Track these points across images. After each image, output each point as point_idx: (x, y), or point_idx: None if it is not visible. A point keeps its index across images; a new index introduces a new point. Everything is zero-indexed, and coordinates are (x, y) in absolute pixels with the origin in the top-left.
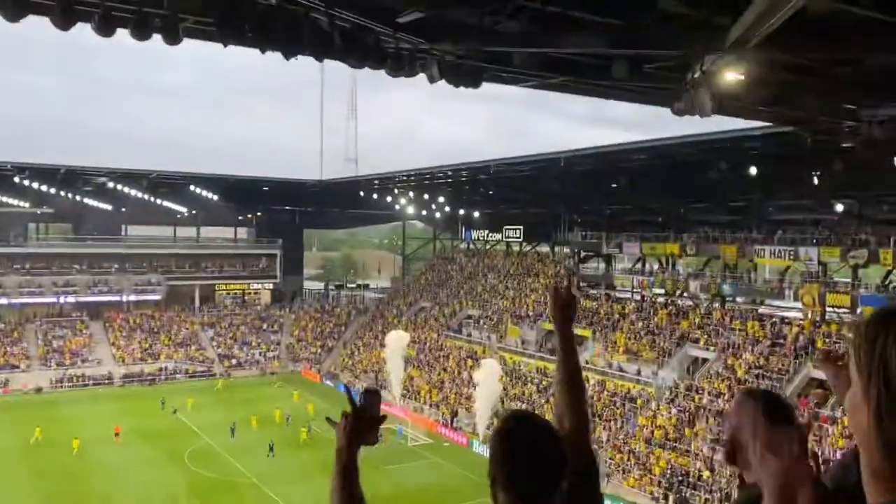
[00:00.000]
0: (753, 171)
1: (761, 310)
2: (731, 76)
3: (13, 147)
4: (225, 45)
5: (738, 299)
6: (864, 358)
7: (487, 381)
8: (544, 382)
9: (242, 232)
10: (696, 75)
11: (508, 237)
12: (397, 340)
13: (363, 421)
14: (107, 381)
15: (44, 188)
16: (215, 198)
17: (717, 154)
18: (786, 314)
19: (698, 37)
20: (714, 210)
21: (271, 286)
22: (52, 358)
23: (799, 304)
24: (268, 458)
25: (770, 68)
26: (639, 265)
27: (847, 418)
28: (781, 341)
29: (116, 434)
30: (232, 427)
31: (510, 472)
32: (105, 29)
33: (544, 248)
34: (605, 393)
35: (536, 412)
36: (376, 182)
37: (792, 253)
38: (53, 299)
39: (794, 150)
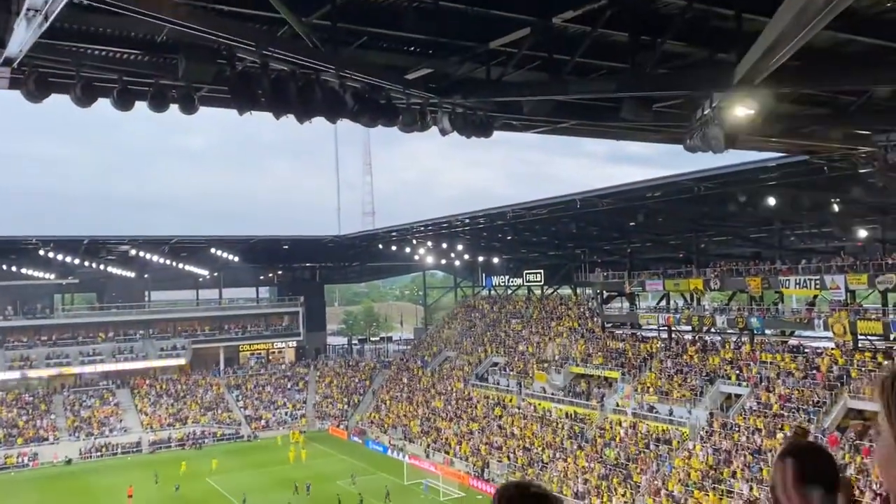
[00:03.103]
0: (772, 201)
1: (791, 341)
2: (741, 112)
3: (40, 220)
4: (241, 113)
5: (767, 332)
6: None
7: None
8: (575, 428)
9: (264, 291)
10: (705, 112)
11: (529, 281)
12: None
13: None
14: (135, 449)
15: (68, 259)
16: (236, 259)
17: (735, 187)
18: (817, 345)
19: (703, 74)
20: (736, 243)
21: (295, 344)
22: (81, 428)
23: (830, 334)
24: None
25: (779, 101)
26: (663, 303)
27: (879, 471)
28: (815, 373)
29: (130, 496)
30: (244, 498)
31: None
32: (124, 103)
33: (566, 291)
34: (639, 435)
35: (570, 458)
36: (394, 234)
37: (817, 282)
38: (80, 370)
39: (812, 179)
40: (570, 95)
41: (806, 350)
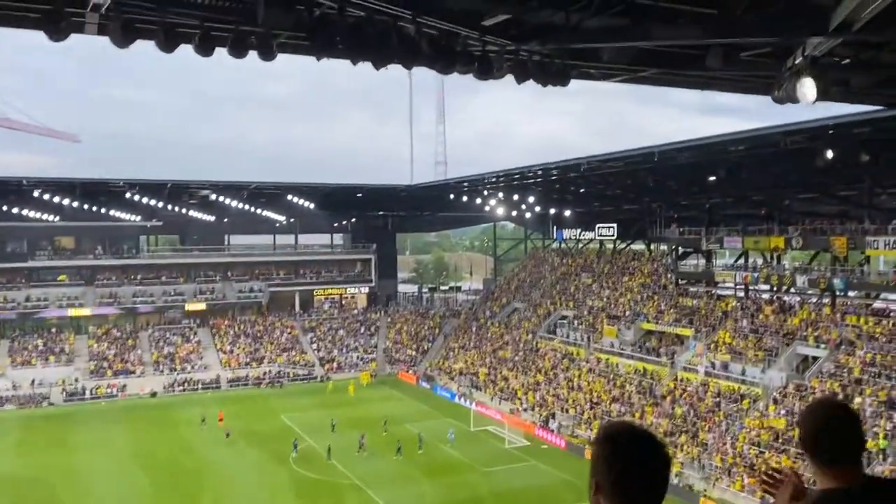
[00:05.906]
0: (864, 157)
1: (876, 304)
2: (836, 60)
3: (121, 163)
4: (318, 59)
5: (850, 294)
6: None
7: None
8: (644, 383)
9: (338, 238)
10: (797, 61)
11: (602, 235)
12: None
13: None
14: (214, 386)
15: (152, 202)
16: (311, 206)
17: (825, 141)
18: None
19: (797, 20)
20: (822, 200)
21: (367, 290)
22: (165, 364)
23: None
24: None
25: (877, 50)
26: (741, 261)
27: None
28: None
29: (220, 420)
30: (294, 442)
31: (616, 481)
32: (205, 49)
33: (639, 246)
34: (709, 394)
35: (636, 414)
36: (466, 185)
37: None
38: (164, 307)
39: None
40: (652, 42)
41: (891, 313)
